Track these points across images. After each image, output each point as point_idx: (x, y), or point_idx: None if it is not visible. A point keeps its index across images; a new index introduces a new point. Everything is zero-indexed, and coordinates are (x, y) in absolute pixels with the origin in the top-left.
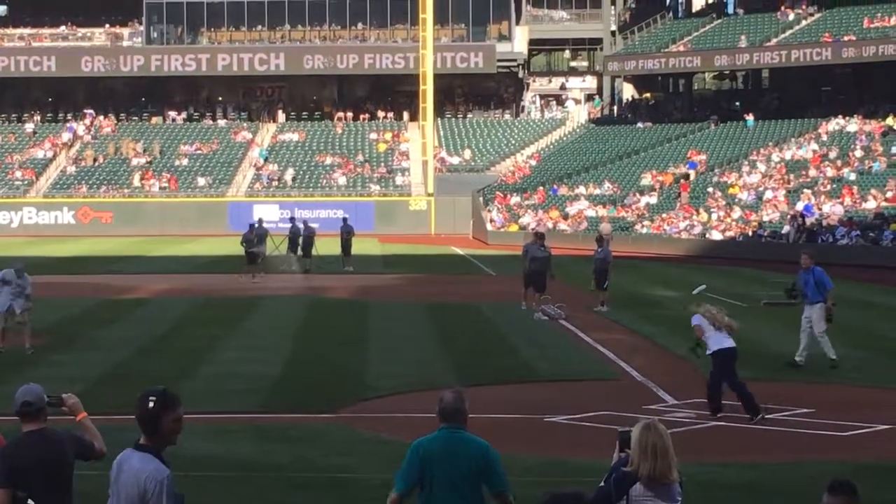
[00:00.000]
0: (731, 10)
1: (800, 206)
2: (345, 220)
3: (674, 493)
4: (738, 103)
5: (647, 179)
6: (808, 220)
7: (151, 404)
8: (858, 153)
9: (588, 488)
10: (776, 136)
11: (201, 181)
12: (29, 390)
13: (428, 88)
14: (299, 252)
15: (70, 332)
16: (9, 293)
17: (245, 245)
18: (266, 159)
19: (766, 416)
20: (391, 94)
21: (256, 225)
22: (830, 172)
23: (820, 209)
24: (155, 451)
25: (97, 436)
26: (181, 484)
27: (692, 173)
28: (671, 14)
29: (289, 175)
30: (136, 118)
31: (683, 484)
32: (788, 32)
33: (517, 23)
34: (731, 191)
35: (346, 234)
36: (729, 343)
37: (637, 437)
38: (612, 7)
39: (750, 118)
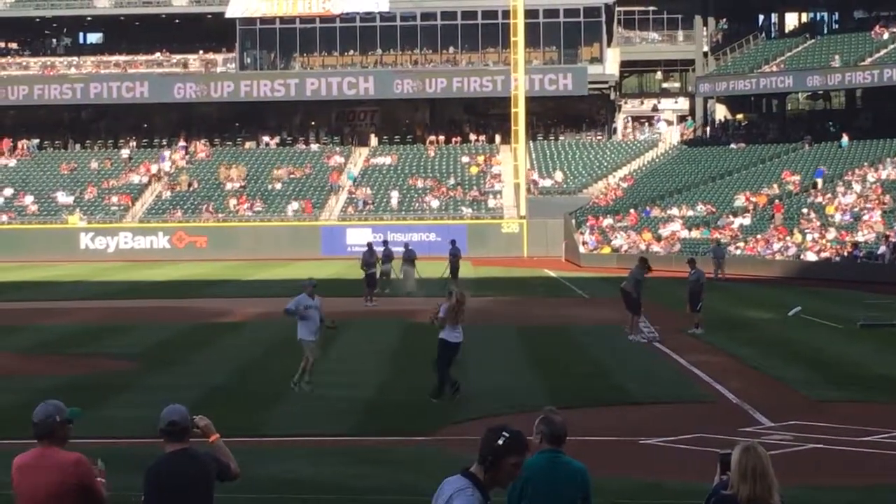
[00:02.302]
0: (824, 30)
1: None
2: (453, 242)
3: None
4: (832, 123)
5: (740, 201)
6: None
7: (502, 441)
8: None
9: None
10: (871, 155)
11: (294, 205)
12: (174, 410)
13: (520, 111)
14: (395, 275)
15: (166, 355)
16: (314, 318)
17: (365, 268)
18: (354, 181)
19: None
20: (483, 117)
21: (373, 247)
22: None
23: None
24: (473, 479)
25: (231, 457)
26: None
27: (819, 182)
28: (763, 34)
29: (394, 199)
30: (230, 143)
31: None
32: (883, 52)
33: (608, 45)
34: (826, 211)
35: (454, 256)
36: (454, 337)
37: (736, 460)
38: (704, 28)
39: (844, 138)
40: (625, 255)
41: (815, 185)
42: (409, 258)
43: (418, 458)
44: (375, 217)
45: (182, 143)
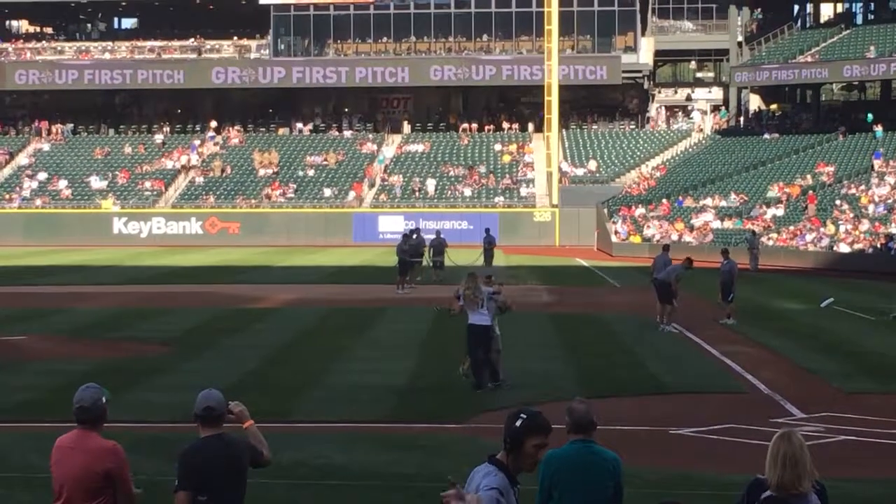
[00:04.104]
0: (859, 20)
1: None
2: (487, 231)
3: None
4: (867, 114)
5: (773, 191)
6: None
7: (519, 423)
8: None
9: (713, 502)
10: None
11: (327, 192)
12: (211, 395)
13: (553, 100)
14: (426, 262)
15: (198, 341)
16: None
17: (400, 255)
18: (381, 163)
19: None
20: (516, 106)
21: (409, 235)
22: None
23: None
24: (502, 467)
25: (264, 443)
26: (308, 492)
27: (877, 163)
28: (798, 24)
29: (431, 186)
30: (263, 129)
31: (825, 493)
32: None
33: (643, 34)
34: (860, 202)
35: (489, 244)
36: (478, 320)
37: (770, 446)
38: (739, 18)
39: (879, 129)
40: (657, 245)
41: (872, 168)
42: (440, 246)
43: (450, 446)
44: (408, 204)
45: (212, 132)
